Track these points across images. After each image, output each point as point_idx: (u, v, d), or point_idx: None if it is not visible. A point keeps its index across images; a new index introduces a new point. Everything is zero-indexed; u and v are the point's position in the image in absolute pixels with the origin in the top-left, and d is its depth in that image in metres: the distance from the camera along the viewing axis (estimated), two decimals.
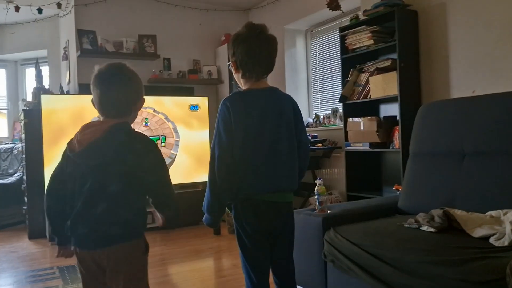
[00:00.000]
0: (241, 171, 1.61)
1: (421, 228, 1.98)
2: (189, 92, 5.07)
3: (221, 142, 1.62)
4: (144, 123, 4.51)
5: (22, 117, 4.39)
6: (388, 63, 3.27)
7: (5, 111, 6.05)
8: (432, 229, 1.92)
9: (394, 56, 3.21)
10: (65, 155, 1.52)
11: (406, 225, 2.06)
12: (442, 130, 2.45)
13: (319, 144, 4.00)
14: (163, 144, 4.55)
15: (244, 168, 1.62)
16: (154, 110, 4.57)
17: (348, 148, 3.59)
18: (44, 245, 3.81)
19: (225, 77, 5.15)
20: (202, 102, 4.79)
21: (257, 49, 1.65)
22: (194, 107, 4.76)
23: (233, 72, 1.73)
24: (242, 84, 1.73)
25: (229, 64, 1.74)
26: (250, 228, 1.65)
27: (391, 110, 3.42)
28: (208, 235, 4.10)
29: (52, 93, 4.66)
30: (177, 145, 4.64)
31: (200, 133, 4.73)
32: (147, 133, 4.46)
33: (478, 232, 1.82)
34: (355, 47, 3.52)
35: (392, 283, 1.80)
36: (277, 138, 1.65)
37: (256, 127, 1.63)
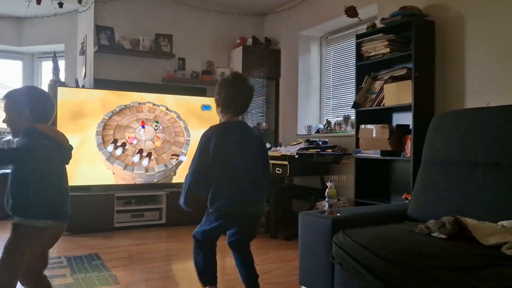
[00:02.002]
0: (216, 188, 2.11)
1: (431, 234, 1.98)
2: (202, 92, 5.11)
3: (197, 162, 2.12)
4: (154, 125, 4.55)
5: None
6: (403, 71, 3.29)
7: None
8: (442, 236, 1.92)
9: (410, 65, 3.22)
10: None
11: (416, 231, 2.06)
12: (455, 139, 2.45)
13: (329, 150, 4.01)
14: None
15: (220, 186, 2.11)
16: (167, 109, 4.61)
17: (359, 154, 3.59)
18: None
19: None
20: (214, 103, 4.82)
21: (237, 95, 2.11)
22: (206, 107, 4.80)
23: (216, 107, 2.18)
24: (220, 117, 2.20)
25: (215, 99, 2.20)
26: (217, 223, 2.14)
27: (404, 118, 3.42)
28: None
29: (68, 86, 4.73)
30: (188, 144, 4.67)
31: None
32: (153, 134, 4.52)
33: (490, 241, 1.82)
34: (370, 54, 3.54)
35: (400, 287, 1.80)
36: (248, 161, 2.12)
37: (231, 152, 2.09)
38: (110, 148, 4.29)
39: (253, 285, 2.25)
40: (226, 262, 3.29)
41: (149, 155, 4.48)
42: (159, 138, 4.55)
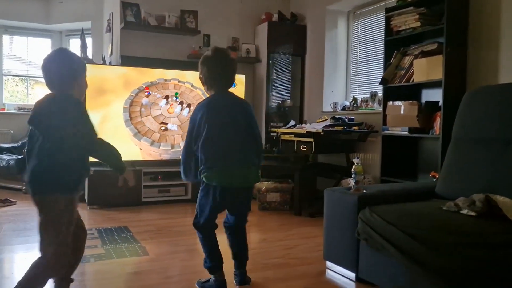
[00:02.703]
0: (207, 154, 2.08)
1: (460, 212, 1.95)
2: None
3: (187, 138, 2.15)
4: (174, 98, 4.58)
5: None
6: (434, 46, 3.18)
7: None
8: (472, 213, 1.89)
9: (441, 39, 3.11)
10: None
11: (444, 208, 2.03)
12: (488, 116, 2.38)
13: (355, 127, 3.95)
14: None
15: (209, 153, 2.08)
16: (192, 85, 4.63)
17: (386, 132, 3.53)
18: (83, 208, 3.97)
19: (263, 56, 5.13)
20: (239, 80, 4.81)
21: (220, 69, 2.11)
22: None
23: (202, 86, 2.19)
24: (208, 95, 2.20)
25: (200, 77, 2.20)
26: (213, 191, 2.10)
27: (434, 95, 3.33)
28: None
29: (96, 63, 4.79)
30: None
31: None
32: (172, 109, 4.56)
33: None
34: (400, 29, 3.44)
35: (427, 263, 1.79)
36: (235, 133, 2.09)
37: (217, 124, 2.07)
38: (163, 103, 4.47)
39: (240, 265, 2.26)
40: (251, 237, 3.33)
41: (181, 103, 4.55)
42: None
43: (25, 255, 2.73)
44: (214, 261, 2.18)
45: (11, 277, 2.35)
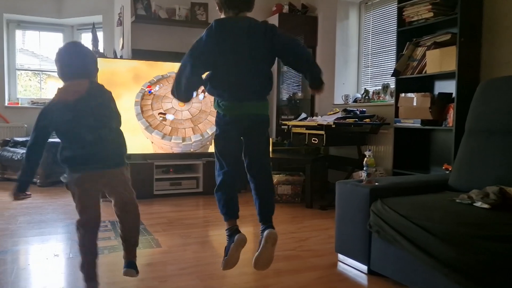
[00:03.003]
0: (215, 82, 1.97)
1: (474, 204, 1.94)
2: None
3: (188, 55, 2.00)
4: None
5: None
6: (447, 37, 3.14)
7: None
8: (486, 205, 1.87)
9: (454, 30, 3.07)
10: None
11: (458, 200, 2.02)
12: (503, 107, 2.35)
13: (367, 120, 3.93)
14: None
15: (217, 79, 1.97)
16: None
17: (398, 124, 3.51)
18: None
19: None
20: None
21: None
22: None
23: (218, 11, 2.05)
24: None
25: (217, 9, 2.08)
26: (222, 122, 2.02)
27: (447, 86, 3.29)
28: (249, 203, 4.11)
29: (107, 57, 4.82)
30: None
31: None
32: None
33: None
34: (412, 19, 3.39)
35: (439, 256, 1.78)
36: (247, 53, 1.93)
37: (226, 46, 1.93)
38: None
39: (264, 218, 2.07)
40: None
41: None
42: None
43: (40, 246, 2.78)
44: (225, 208, 2.06)
45: (27, 268, 2.39)
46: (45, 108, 1.91)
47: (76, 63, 1.90)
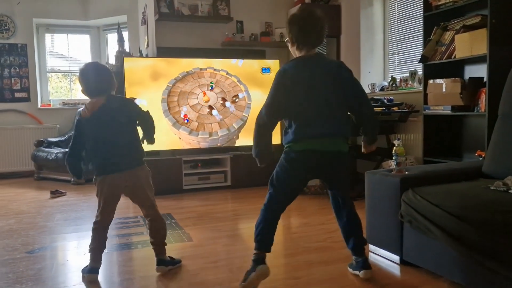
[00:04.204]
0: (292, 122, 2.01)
1: (510, 191, 1.88)
2: (261, 55, 5.08)
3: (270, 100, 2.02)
4: (209, 87, 4.62)
5: None
6: (477, 19, 3.04)
7: None
8: None
9: (485, 12, 2.96)
10: None
11: (492, 188, 1.96)
12: None
13: (395, 108, 3.85)
14: None
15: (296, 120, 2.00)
16: (227, 73, 4.65)
17: (427, 111, 3.43)
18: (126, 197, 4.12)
19: None
20: (274, 64, 4.79)
21: (309, 27, 2.01)
22: (266, 69, 4.78)
23: (289, 46, 2.09)
24: (296, 55, 2.09)
25: (286, 40, 2.11)
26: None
27: (478, 71, 3.19)
28: None
29: (133, 56, 4.90)
30: (249, 107, 4.71)
31: None
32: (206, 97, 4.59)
33: None
34: (439, 3, 3.30)
35: (474, 244, 1.74)
36: (320, 94, 1.98)
37: (306, 85, 1.99)
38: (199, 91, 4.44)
39: (358, 251, 2.15)
40: (292, 221, 3.35)
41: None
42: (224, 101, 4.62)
43: (77, 242, 2.87)
44: (261, 235, 2.05)
45: (66, 264, 2.48)
46: (76, 121, 2.29)
47: (93, 83, 2.18)
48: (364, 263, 2.13)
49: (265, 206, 2.08)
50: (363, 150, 2.18)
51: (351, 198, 2.19)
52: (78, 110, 4.31)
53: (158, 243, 2.30)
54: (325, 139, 2.00)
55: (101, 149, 2.18)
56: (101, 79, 2.20)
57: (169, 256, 2.34)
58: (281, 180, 2.05)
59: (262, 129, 2.03)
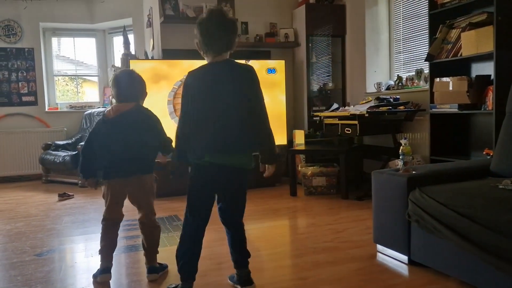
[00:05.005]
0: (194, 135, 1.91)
1: None
2: (266, 56, 5.08)
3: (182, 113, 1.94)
4: None
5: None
6: (483, 17, 3.01)
7: (96, 78, 6.52)
8: None
9: (491, 9, 2.94)
10: None
11: (501, 186, 1.95)
12: None
13: (401, 107, 3.84)
14: None
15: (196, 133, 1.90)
16: None
17: (434, 110, 3.41)
18: None
19: (302, 40, 5.07)
20: (279, 65, 4.79)
21: (215, 31, 1.86)
22: (271, 70, 4.78)
23: (199, 51, 1.96)
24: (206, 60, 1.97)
25: (196, 43, 1.99)
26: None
27: (484, 68, 3.17)
28: (284, 196, 4.18)
29: (139, 59, 4.92)
30: None
31: (277, 97, 4.76)
32: None
33: None
34: (445, 1, 3.28)
35: (482, 244, 1.73)
36: (227, 104, 1.86)
37: (207, 94, 1.87)
38: None
39: (241, 265, 2.10)
40: (299, 222, 3.34)
41: None
42: None
43: (85, 244, 2.89)
44: (186, 265, 2.00)
45: (74, 266, 2.50)
46: (99, 119, 2.31)
47: (124, 89, 2.23)
48: (247, 278, 2.07)
49: None
50: (261, 171, 2.00)
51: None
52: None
53: (151, 250, 2.30)
54: (225, 153, 1.89)
55: (113, 150, 2.18)
56: (133, 87, 2.25)
57: (158, 263, 2.33)
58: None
59: (178, 142, 1.98)
